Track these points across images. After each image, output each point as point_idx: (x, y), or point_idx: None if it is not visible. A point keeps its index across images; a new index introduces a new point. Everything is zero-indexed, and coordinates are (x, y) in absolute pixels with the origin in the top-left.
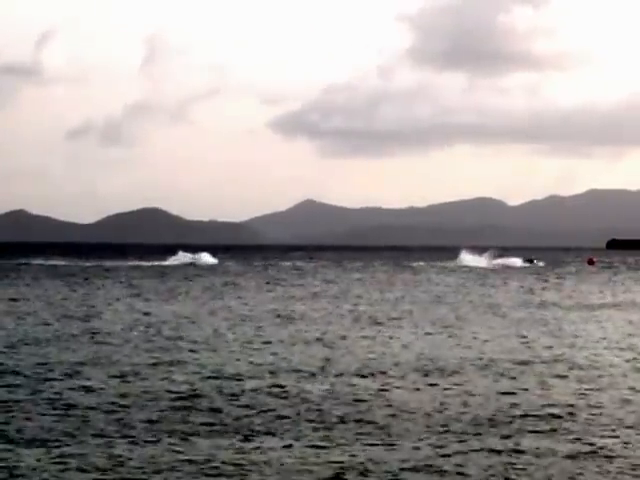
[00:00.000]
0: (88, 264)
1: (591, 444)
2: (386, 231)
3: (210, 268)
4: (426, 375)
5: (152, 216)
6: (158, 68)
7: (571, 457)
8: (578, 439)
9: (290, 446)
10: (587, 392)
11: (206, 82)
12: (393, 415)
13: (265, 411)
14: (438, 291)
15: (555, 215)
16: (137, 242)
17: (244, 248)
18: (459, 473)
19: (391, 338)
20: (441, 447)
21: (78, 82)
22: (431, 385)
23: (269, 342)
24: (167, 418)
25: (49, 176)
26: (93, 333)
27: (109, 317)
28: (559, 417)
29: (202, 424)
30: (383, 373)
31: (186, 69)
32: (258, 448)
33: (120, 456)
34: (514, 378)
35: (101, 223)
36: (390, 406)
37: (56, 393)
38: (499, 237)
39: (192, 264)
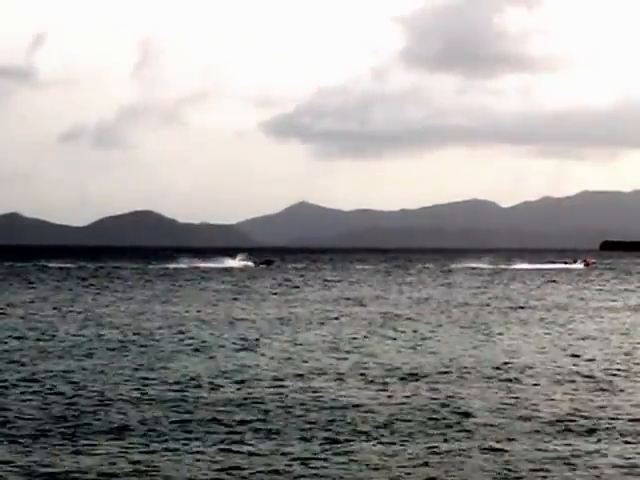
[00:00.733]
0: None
1: None
2: (379, 233)
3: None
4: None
5: (145, 219)
6: (151, 71)
7: None
8: None
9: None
10: None
11: (198, 85)
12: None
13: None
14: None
15: (548, 216)
16: (133, 245)
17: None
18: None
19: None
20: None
21: (71, 85)
22: None
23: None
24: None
25: (42, 179)
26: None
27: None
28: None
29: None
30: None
31: (179, 72)
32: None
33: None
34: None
35: (94, 226)
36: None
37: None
38: (492, 239)
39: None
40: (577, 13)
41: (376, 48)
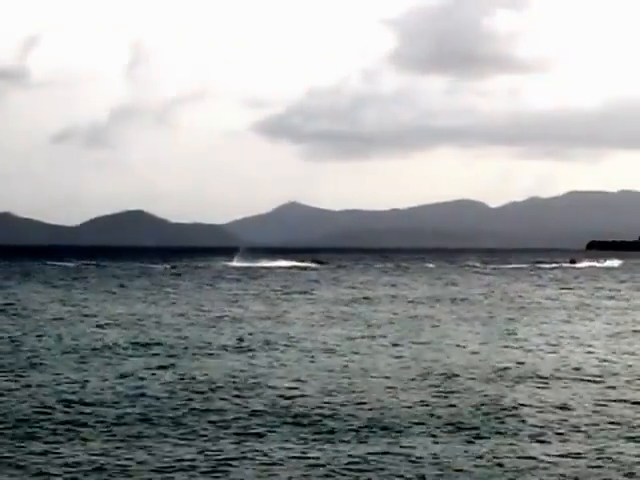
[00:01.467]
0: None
1: None
2: (369, 233)
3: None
4: None
5: (136, 218)
6: (142, 72)
7: None
8: None
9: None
10: None
11: (190, 86)
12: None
13: None
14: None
15: (535, 217)
16: (126, 245)
17: (231, 250)
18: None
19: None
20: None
21: (63, 86)
22: None
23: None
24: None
25: (35, 179)
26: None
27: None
28: None
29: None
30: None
31: (170, 73)
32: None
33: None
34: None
35: (86, 225)
36: None
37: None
38: (480, 238)
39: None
40: (565, 14)
41: (366, 50)
